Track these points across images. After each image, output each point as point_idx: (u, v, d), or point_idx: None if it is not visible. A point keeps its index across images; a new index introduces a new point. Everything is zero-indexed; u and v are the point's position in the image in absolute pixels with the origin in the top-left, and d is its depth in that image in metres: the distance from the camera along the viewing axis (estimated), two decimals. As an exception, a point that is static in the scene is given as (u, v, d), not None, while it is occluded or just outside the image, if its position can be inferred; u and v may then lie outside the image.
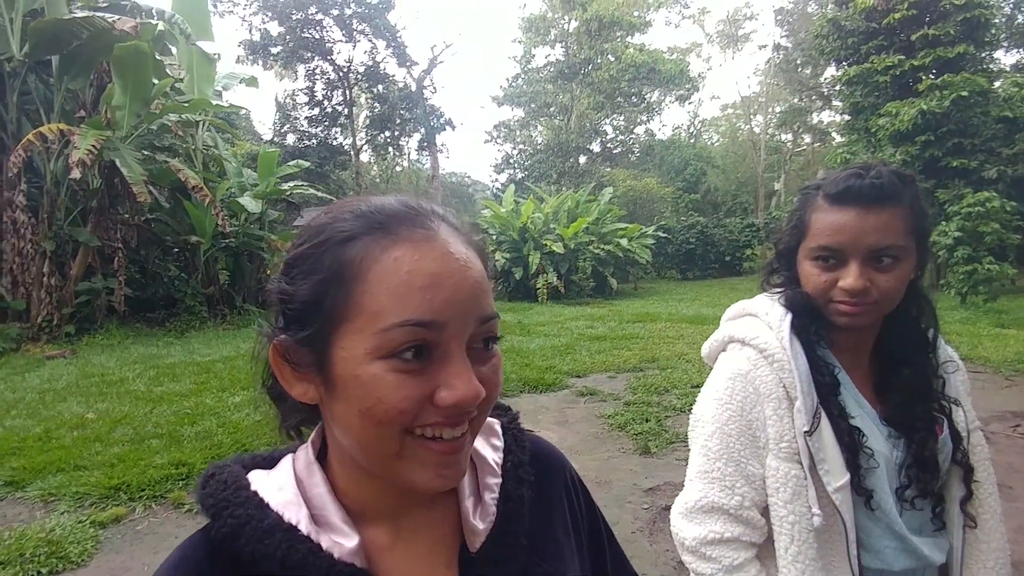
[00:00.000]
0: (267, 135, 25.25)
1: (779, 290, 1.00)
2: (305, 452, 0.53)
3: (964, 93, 11.60)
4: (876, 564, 0.90)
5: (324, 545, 0.47)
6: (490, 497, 0.54)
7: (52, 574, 2.78)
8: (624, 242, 14.91)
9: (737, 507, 0.90)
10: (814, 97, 25.19)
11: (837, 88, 16.08)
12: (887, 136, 12.83)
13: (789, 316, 0.94)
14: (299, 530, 0.47)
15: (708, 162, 27.23)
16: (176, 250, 10.71)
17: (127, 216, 9.63)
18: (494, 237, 14.35)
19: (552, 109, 28.00)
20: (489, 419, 0.59)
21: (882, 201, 0.88)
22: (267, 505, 0.48)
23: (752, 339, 0.96)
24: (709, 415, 0.96)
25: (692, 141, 31.02)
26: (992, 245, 10.35)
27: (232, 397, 5.46)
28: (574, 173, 25.62)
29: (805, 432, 0.88)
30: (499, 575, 0.51)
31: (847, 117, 15.27)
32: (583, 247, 14.21)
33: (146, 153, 9.37)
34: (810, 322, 0.94)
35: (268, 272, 11.08)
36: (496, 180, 29.87)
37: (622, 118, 28.94)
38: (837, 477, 0.87)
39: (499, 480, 0.56)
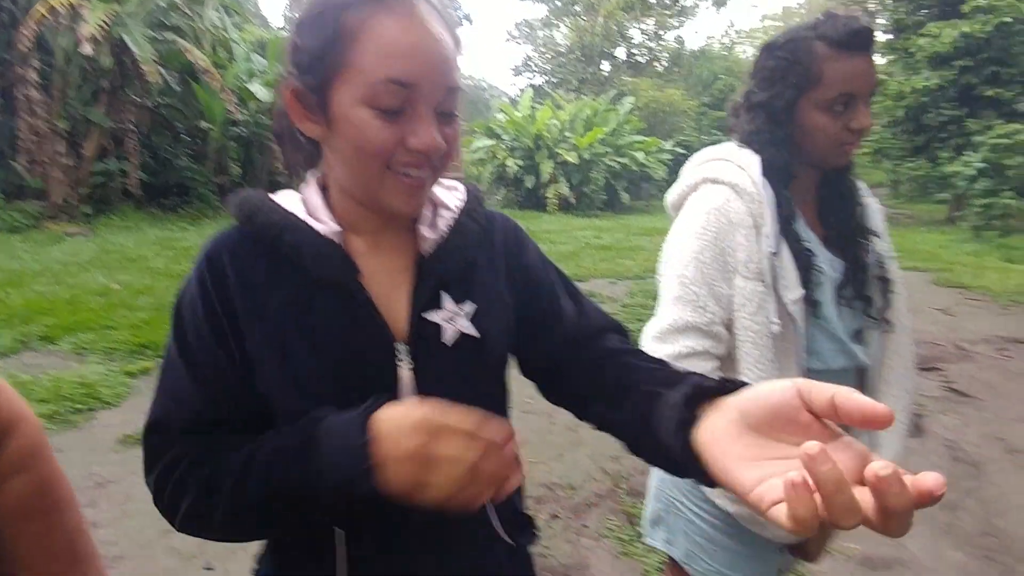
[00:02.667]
0: (276, 20, 24.17)
1: (755, 136, 1.08)
2: (310, 184, 0.69)
3: (1008, 19, 10.91)
4: (818, 365, 1.08)
5: (312, 224, 0.64)
6: (443, 223, 0.70)
7: (88, 410, 3.09)
8: (640, 156, 14.59)
9: (708, 323, 1.04)
10: (859, 12, 23.52)
11: (883, 2, 15.06)
12: (925, 58, 12.19)
13: (757, 158, 1.06)
14: (298, 216, 0.64)
15: (740, 77, 25.79)
16: (187, 138, 10.64)
17: (138, 99, 9.51)
18: (507, 143, 14.07)
19: (577, 8, 26.41)
20: (457, 184, 0.75)
21: (872, 43, 0.99)
22: (283, 208, 0.65)
23: (726, 178, 1.07)
24: (685, 247, 1.08)
25: (725, 53, 29.36)
26: (1015, 179, 10.09)
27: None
28: (596, 81, 24.57)
29: (772, 254, 1.02)
30: (444, 271, 0.67)
31: (889, 36, 14.40)
32: (597, 158, 13.92)
33: (152, 34, 9.09)
34: (781, 166, 1.05)
35: (278, 166, 11.05)
36: (514, 84, 28.69)
37: (652, 21, 27.26)
38: (794, 291, 1.03)
39: (454, 215, 0.71)
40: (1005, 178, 10.05)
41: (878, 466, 0.34)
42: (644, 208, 16.01)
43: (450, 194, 0.74)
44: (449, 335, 0.67)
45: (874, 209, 1.16)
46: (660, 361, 0.69)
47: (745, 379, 1.05)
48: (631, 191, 15.36)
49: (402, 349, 0.64)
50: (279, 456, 0.57)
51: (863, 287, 1.10)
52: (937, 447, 3.06)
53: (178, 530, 0.62)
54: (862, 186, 1.16)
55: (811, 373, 1.07)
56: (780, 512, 0.37)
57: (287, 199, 0.67)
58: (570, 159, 13.28)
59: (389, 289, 0.67)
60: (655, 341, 1.08)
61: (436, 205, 0.72)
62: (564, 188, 13.46)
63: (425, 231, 0.68)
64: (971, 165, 10.27)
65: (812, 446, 0.35)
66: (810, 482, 0.35)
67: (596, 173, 13.85)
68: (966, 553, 2.27)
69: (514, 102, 19.69)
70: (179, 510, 0.60)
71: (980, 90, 11.76)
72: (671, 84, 24.72)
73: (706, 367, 1.05)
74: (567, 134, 14.19)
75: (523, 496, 0.82)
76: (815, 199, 1.13)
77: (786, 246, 1.04)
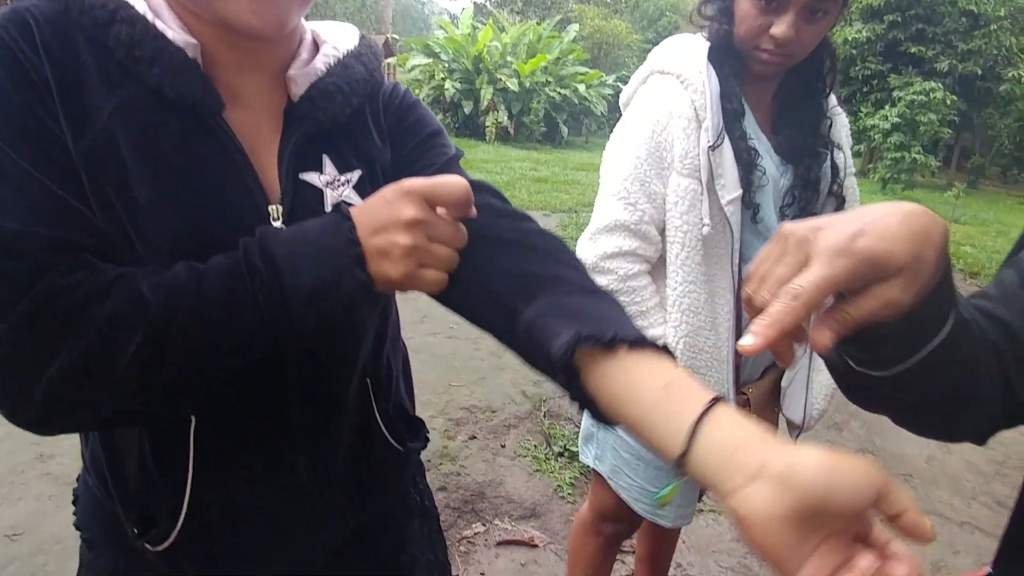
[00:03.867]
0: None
1: (707, 23, 1.03)
2: None
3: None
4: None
5: (157, 25, 0.49)
6: (322, 63, 0.59)
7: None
8: (581, 88, 14.36)
9: (637, 222, 1.01)
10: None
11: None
12: (859, 10, 12.49)
13: (707, 45, 1.01)
14: (135, 7, 0.49)
15: (684, 16, 25.63)
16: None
17: None
18: (445, 64, 13.42)
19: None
20: (350, 27, 0.64)
21: None
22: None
23: (672, 68, 1.02)
24: (622, 143, 1.03)
25: (672, -11, 28.87)
26: (925, 136, 10.74)
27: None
28: (541, 4, 23.58)
29: (709, 147, 0.97)
30: (320, 118, 0.56)
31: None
32: (539, 87, 13.58)
33: None
34: (728, 55, 1.00)
35: None
36: (455, 1, 27.11)
37: (602, -53, 26.24)
38: (731, 191, 0.99)
39: (338, 55, 0.60)
40: (917, 134, 10.68)
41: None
42: (583, 144, 15.92)
43: (338, 35, 0.62)
44: (329, 202, 0.57)
45: (842, 123, 1.13)
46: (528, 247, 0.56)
47: (670, 280, 1.04)
48: (571, 125, 15.21)
49: (275, 212, 0.54)
50: (230, 275, 0.47)
51: (810, 202, 1.07)
52: (827, 378, 3.31)
53: (37, 405, 0.44)
54: (833, 99, 1.11)
55: (743, 281, 1.06)
56: None
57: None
58: (511, 86, 12.88)
59: (254, 140, 0.55)
60: (586, 242, 1.06)
61: (317, 45, 0.61)
62: (503, 116, 13.12)
63: (296, 70, 0.57)
64: (888, 120, 10.80)
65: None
66: None
67: (537, 103, 13.55)
68: (845, 470, 2.51)
69: (454, 19, 18.68)
70: (52, 366, 0.43)
71: (905, 47, 12.27)
72: (618, 15, 24.15)
73: (632, 268, 1.03)
74: (509, 59, 13.70)
75: (413, 398, 0.78)
76: (772, 104, 1.09)
77: (728, 142, 0.99)
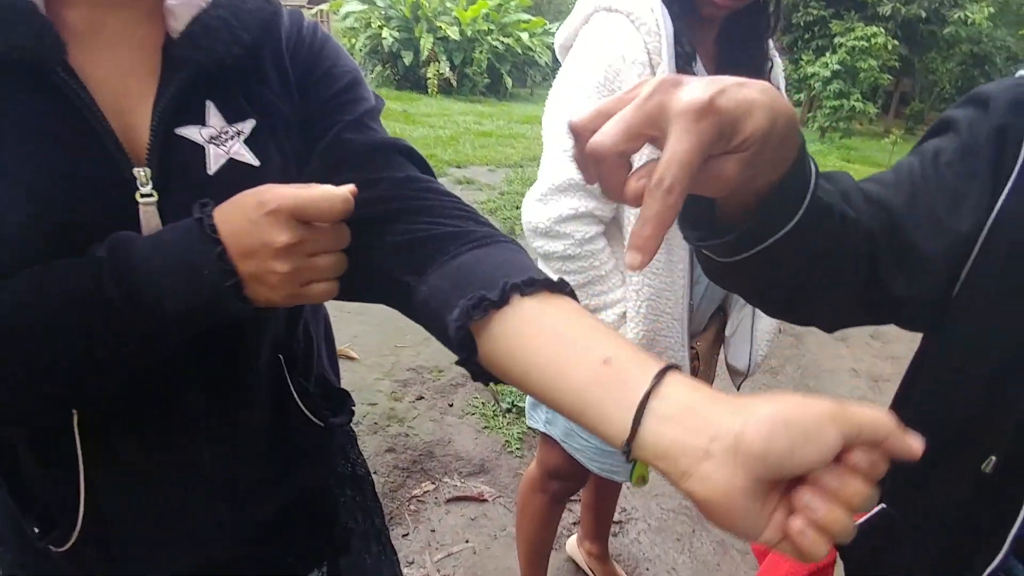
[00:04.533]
0: None
1: None
2: None
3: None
4: None
5: None
6: None
7: None
8: (525, 37, 13.96)
9: None
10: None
11: None
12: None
13: None
14: None
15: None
16: None
17: None
18: (382, 10, 12.76)
19: None
20: None
21: None
22: None
23: (620, 5, 0.94)
24: (572, 91, 0.97)
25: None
26: (865, 83, 10.99)
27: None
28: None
29: None
30: (203, 59, 0.48)
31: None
32: (481, 36, 13.12)
33: None
34: None
35: None
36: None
37: None
38: None
39: None
40: (856, 81, 10.92)
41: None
42: (528, 96, 15.61)
43: None
44: (213, 161, 0.49)
45: (780, 69, 1.10)
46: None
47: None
48: (515, 76, 14.85)
49: (143, 177, 0.46)
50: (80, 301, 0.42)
51: None
52: (768, 324, 3.44)
53: None
54: (770, 43, 1.08)
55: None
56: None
57: None
58: (451, 35, 12.39)
59: (120, 91, 0.47)
60: (536, 204, 1.00)
61: None
62: (445, 67, 12.67)
63: (174, 2, 0.47)
64: (828, 67, 10.99)
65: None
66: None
67: (479, 53, 13.12)
68: (780, 409, 2.63)
69: (391, -36, 17.70)
70: None
71: (849, -11, 12.30)
72: (560, -40, 23.42)
73: (589, 231, 0.98)
74: (448, 5, 13.14)
75: (337, 368, 0.74)
76: (715, 46, 1.04)
77: None
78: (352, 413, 0.73)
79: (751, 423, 0.31)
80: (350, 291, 0.51)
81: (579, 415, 0.37)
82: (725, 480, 0.30)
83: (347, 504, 0.76)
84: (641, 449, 0.34)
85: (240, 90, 0.51)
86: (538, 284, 0.41)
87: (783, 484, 0.32)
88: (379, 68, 13.23)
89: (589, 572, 1.72)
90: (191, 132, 0.48)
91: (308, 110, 0.55)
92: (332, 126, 0.54)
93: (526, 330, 0.40)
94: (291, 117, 0.54)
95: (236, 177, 0.49)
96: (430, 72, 12.60)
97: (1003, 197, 0.53)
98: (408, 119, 8.75)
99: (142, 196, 0.46)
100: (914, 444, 0.31)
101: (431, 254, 0.46)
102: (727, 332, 1.22)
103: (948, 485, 0.59)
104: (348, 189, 0.45)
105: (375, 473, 2.03)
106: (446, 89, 12.83)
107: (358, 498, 0.78)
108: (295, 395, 0.63)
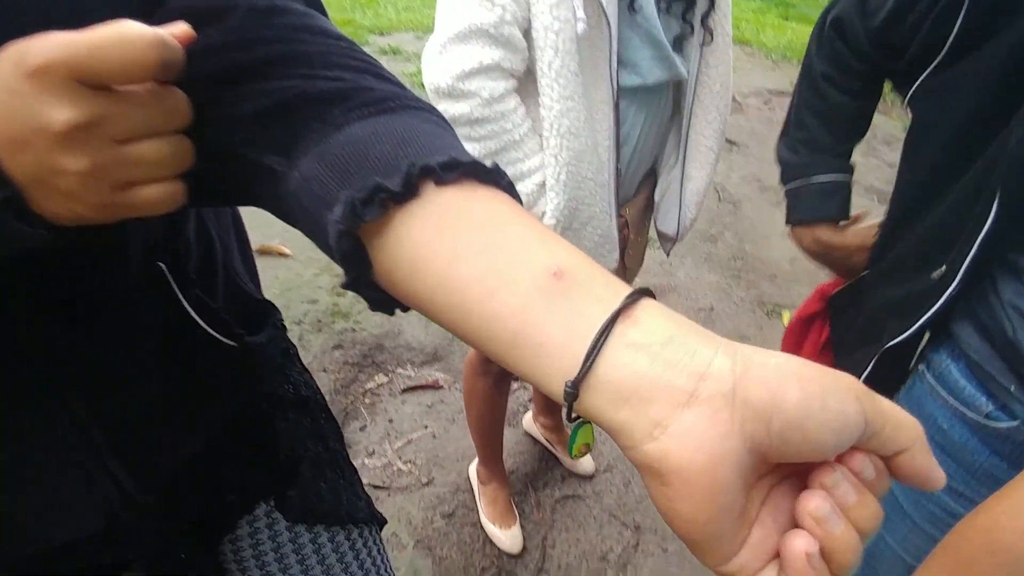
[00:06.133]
0: None
1: None
2: None
3: None
4: (633, 81, 0.94)
5: None
6: None
7: None
8: None
9: (497, 23, 0.83)
10: None
11: None
12: None
13: None
14: None
15: None
16: None
17: None
18: None
19: None
20: None
21: None
22: None
23: None
24: None
25: None
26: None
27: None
28: None
29: None
30: None
31: None
32: None
33: None
34: None
35: None
36: None
37: None
38: None
39: None
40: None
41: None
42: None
43: None
44: None
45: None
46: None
47: (543, 98, 0.87)
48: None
49: None
50: None
51: None
52: (698, 186, 3.47)
53: None
54: None
55: (624, 91, 0.93)
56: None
57: None
58: None
59: None
60: (436, 57, 0.86)
61: None
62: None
63: None
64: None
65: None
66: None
67: None
68: (720, 275, 2.71)
69: None
70: None
71: None
72: None
73: (498, 88, 0.86)
74: None
75: (255, 274, 0.63)
76: None
77: None
78: (279, 328, 0.64)
79: (754, 368, 0.23)
80: (199, 192, 0.34)
81: (508, 348, 0.27)
82: (713, 440, 0.22)
83: (290, 429, 0.67)
84: (594, 391, 0.24)
85: None
86: (460, 168, 0.29)
87: (765, 484, 0.25)
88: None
89: (546, 443, 1.79)
90: None
91: None
92: None
93: (442, 233, 0.28)
94: None
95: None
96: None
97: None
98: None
99: None
100: (938, 476, 0.24)
101: (305, 123, 0.31)
102: (656, 197, 1.18)
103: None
104: (173, 29, 0.29)
105: (324, 371, 1.99)
106: (359, -59, 11.35)
107: (305, 422, 0.69)
108: (191, 312, 0.51)
